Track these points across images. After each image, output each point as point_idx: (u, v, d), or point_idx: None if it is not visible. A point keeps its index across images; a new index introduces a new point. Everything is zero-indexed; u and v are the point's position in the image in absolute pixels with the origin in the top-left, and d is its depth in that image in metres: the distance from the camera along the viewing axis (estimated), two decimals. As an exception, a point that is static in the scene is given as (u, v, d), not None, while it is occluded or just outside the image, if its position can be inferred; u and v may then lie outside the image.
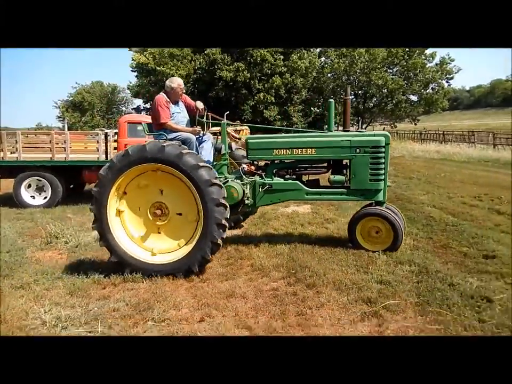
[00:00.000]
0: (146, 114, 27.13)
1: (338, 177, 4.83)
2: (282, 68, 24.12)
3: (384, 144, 4.64)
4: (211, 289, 3.82)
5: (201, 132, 4.86)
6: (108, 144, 8.37)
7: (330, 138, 4.82)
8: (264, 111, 24.10)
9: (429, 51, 27.40)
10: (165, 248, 4.31)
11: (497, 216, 6.32)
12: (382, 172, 4.66)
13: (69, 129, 25.26)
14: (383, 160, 4.65)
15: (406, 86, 27.31)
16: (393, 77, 27.50)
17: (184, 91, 4.94)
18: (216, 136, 5.32)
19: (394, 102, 28.17)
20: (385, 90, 27.15)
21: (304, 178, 5.12)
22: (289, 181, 4.91)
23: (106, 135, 8.42)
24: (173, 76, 23.84)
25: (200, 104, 4.86)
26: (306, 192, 4.86)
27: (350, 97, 5.01)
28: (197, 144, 4.73)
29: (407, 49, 27.52)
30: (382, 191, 4.71)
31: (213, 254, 4.16)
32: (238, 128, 18.61)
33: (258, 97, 23.63)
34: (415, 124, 31.13)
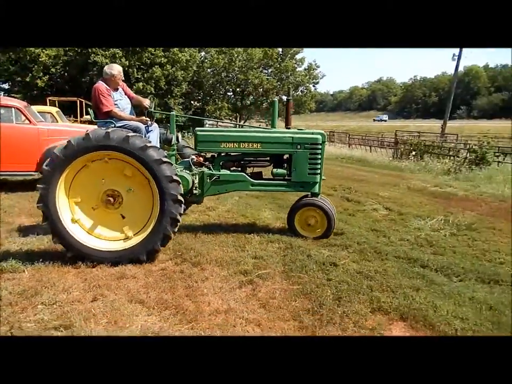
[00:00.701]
0: (4, 95, 23.87)
1: (280, 171, 5.24)
2: (163, 58, 23.76)
3: (321, 142, 5.14)
4: (101, 273, 3.98)
5: (149, 122, 4.90)
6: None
7: (274, 135, 5.16)
8: (143, 101, 23.50)
9: (299, 56, 30.12)
10: (104, 234, 4.33)
11: (347, 202, 7.70)
12: (319, 166, 5.15)
13: None
14: (319, 156, 5.14)
15: (279, 87, 29.56)
16: (268, 77, 29.48)
17: (123, 78, 4.90)
18: (167, 129, 5.35)
19: (269, 101, 30.21)
20: (261, 89, 28.95)
21: (249, 170, 5.44)
22: (236, 173, 5.24)
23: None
24: (39, 55, 21.56)
25: (147, 102, 4.94)
26: (251, 183, 5.18)
27: (290, 97, 5.29)
28: (146, 133, 4.76)
29: (280, 52, 29.77)
30: (318, 183, 5.23)
31: (163, 246, 4.31)
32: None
33: (137, 87, 22.77)
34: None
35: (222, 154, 5.32)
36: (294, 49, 29.55)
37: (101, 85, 4.65)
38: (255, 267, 4.16)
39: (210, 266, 4.19)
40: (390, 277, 3.93)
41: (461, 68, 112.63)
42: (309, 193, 5.32)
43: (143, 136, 4.62)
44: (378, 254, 4.62)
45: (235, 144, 5.12)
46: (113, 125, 4.49)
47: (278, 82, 29.56)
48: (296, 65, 29.75)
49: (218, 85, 28.85)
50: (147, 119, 4.93)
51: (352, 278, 3.89)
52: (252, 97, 31.19)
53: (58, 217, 4.11)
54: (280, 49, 29.83)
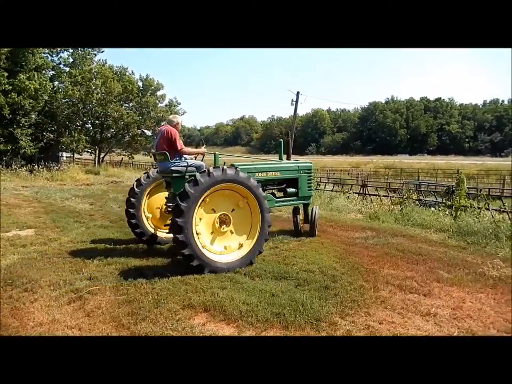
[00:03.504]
0: None
1: (293, 190, 6.98)
2: (7, 85, 21.86)
3: (311, 168, 7.30)
4: None
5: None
6: None
7: (287, 165, 7.11)
8: (-18, 131, 21.02)
9: (159, 92, 30.96)
10: (217, 250, 5.36)
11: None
12: (312, 184, 7.39)
13: None
14: (312, 177, 7.37)
15: (141, 121, 29.77)
16: (129, 111, 29.48)
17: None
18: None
19: (130, 134, 30.08)
20: (122, 123, 28.70)
21: (267, 192, 6.76)
22: (267, 194, 6.47)
23: None
24: None
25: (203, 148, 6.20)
26: (275, 201, 6.78)
27: (289, 138, 8.08)
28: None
29: (141, 88, 30.14)
30: (311, 196, 7.44)
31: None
32: None
33: (-27, 115, 20.44)
34: (150, 156, 34.00)
35: None
36: (155, 85, 30.34)
37: (173, 129, 5.76)
38: (87, 286, 4.57)
39: (41, 290, 4.44)
40: (205, 281, 4.79)
41: (309, 110, 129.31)
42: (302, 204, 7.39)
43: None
44: (203, 266, 5.48)
45: (264, 173, 6.66)
46: (187, 163, 5.68)
47: (140, 117, 29.80)
48: (157, 101, 30.50)
49: (74, 116, 27.57)
50: (204, 150, 6.16)
51: (174, 285, 4.63)
52: (112, 130, 30.61)
53: (195, 242, 5.02)
54: (141, 85, 30.24)
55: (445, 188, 12.25)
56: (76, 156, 34.56)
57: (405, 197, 10.14)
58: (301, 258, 5.85)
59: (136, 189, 6.75)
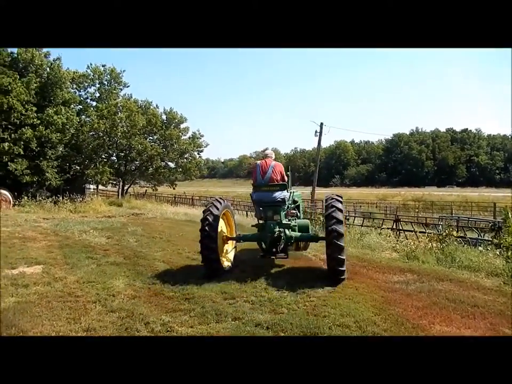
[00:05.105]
0: None
1: (297, 213, 7.50)
2: (35, 119, 22.42)
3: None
4: None
5: None
6: None
7: (297, 193, 8.10)
8: (9, 163, 21.33)
9: (183, 125, 31.20)
10: None
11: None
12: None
13: None
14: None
15: (164, 154, 29.89)
16: (153, 144, 29.70)
17: None
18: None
19: (154, 166, 30.17)
20: (145, 155, 28.86)
21: None
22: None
23: None
24: None
25: None
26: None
27: (289, 173, 7.59)
28: None
29: (165, 121, 30.45)
30: None
31: None
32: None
33: (1, 148, 20.87)
34: (174, 188, 33.97)
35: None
36: (178, 118, 30.60)
37: (281, 164, 6.82)
38: (82, 340, 3.89)
39: (29, 344, 3.79)
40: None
41: (332, 142, 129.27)
42: None
43: None
44: (219, 316, 4.72)
45: (297, 199, 7.88)
46: (290, 193, 6.90)
47: (163, 149, 29.94)
48: (180, 134, 30.68)
49: (100, 149, 27.92)
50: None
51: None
52: (136, 162, 30.83)
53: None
54: (164, 118, 30.57)
55: (490, 224, 11.13)
56: (101, 187, 34.98)
57: (444, 233, 9.14)
58: (333, 308, 5.00)
59: (213, 222, 6.50)
